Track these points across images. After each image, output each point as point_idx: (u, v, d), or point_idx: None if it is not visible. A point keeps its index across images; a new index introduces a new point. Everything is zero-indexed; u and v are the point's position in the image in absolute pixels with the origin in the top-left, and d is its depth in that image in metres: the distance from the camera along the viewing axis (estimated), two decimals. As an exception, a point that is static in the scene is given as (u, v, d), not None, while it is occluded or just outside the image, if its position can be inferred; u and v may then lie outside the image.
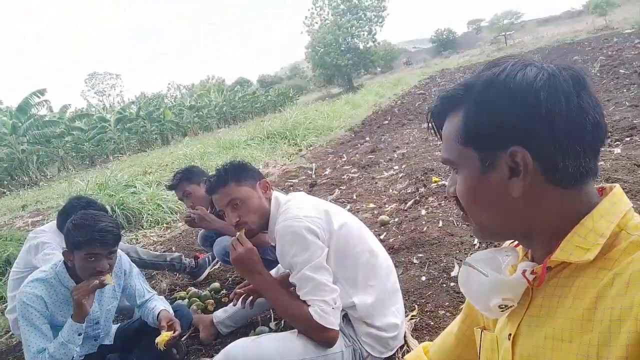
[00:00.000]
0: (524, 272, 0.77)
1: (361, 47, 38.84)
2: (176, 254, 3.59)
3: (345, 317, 1.76)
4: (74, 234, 1.90)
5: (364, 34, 38.96)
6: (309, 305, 1.64)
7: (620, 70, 9.64)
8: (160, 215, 5.76)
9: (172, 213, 5.86)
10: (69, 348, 1.93)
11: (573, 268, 0.72)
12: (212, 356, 2.32)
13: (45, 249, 2.64)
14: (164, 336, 2.03)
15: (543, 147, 0.70)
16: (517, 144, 0.70)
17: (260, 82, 53.42)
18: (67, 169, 18.50)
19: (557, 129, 0.69)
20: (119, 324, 2.45)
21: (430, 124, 0.87)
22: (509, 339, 0.81)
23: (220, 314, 2.49)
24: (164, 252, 3.96)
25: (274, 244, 1.96)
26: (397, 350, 1.84)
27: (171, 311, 2.25)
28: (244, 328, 2.52)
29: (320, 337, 1.65)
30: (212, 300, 2.99)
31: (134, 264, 2.37)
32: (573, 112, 0.69)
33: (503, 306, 0.78)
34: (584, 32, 31.15)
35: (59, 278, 2.01)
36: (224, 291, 3.13)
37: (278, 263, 2.49)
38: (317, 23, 39.42)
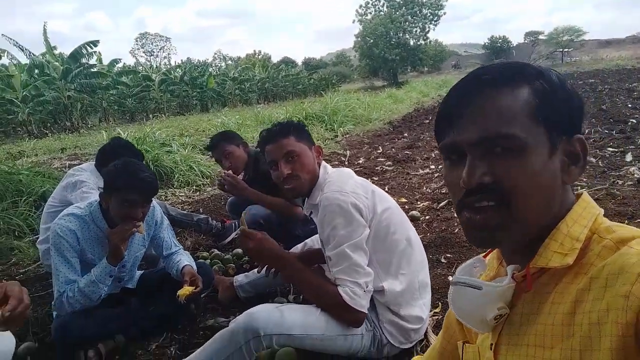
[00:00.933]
0: (513, 274, 0.75)
1: (412, 43, 38.33)
2: (203, 216, 3.64)
3: (370, 302, 1.73)
4: (115, 178, 1.93)
5: (416, 30, 38.45)
6: (337, 285, 1.62)
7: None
8: (192, 177, 5.85)
9: (203, 177, 5.94)
10: (99, 287, 1.98)
11: (551, 274, 0.72)
12: (229, 317, 2.35)
13: (83, 187, 2.70)
14: (186, 290, 2.05)
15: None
16: (578, 133, 0.74)
17: (305, 65, 53.33)
18: (107, 120, 19.03)
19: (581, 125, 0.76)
20: (143, 271, 2.49)
21: (462, 97, 0.75)
22: (491, 349, 0.80)
23: (241, 278, 2.50)
24: (191, 212, 4.01)
25: (309, 215, 1.95)
26: (416, 344, 1.81)
27: (195, 267, 2.28)
28: (262, 296, 2.53)
29: (347, 318, 1.63)
30: (234, 265, 3.01)
31: (165, 217, 2.40)
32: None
33: (498, 316, 0.76)
34: (646, 60, 29.75)
35: (93, 217, 2.05)
36: (246, 258, 3.15)
37: (305, 239, 2.48)
38: (370, 13, 39.05)
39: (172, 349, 2.12)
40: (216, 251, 3.29)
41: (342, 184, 1.73)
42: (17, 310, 1.07)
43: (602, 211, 0.75)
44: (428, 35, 38.72)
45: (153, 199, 2.10)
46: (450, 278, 2.51)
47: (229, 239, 3.55)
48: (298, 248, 2.43)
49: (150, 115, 19.62)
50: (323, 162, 1.92)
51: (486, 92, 0.72)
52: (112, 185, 1.95)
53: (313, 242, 2.42)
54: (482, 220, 0.72)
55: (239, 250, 3.28)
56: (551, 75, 0.74)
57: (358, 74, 44.96)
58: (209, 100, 23.86)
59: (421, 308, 1.76)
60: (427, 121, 10.96)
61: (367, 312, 1.63)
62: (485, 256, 0.87)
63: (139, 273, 2.43)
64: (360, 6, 39.43)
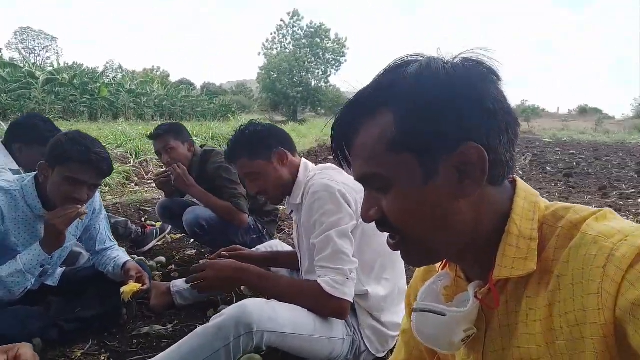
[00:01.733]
0: (476, 293, 0.72)
1: (313, 84, 39.73)
2: (122, 219, 3.28)
3: (351, 306, 1.66)
4: (66, 148, 1.65)
5: (318, 72, 39.98)
6: (318, 277, 1.54)
7: (547, 168, 10.63)
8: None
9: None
10: (25, 278, 1.65)
11: (516, 279, 0.68)
12: (165, 325, 2.10)
13: (-11, 166, 2.28)
14: (132, 286, 1.81)
15: (491, 142, 0.65)
16: (468, 141, 0.63)
17: (203, 89, 52.31)
18: (-28, 115, 16.55)
19: (499, 121, 0.65)
20: (64, 267, 2.14)
21: (336, 141, 0.73)
22: None
23: (179, 284, 2.27)
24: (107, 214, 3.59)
25: (290, 213, 1.87)
26: (388, 352, 1.77)
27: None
28: (200, 305, 2.31)
29: (331, 308, 1.53)
30: (159, 273, 2.74)
31: (103, 207, 2.11)
32: (505, 101, 0.67)
33: (466, 338, 0.73)
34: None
35: (24, 193, 1.73)
36: (172, 266, 2.88)
37: (245, 248, 2.35)
38: (276, 49, 39.94)
39: (102, 357, 1.82)
40: (136, 258, 2.96)
41: (331, 175, 1.69)
42: None
43: (537, 193, 0.72)
44: (329, 78, 40.59)
45: None
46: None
47: (150, 245, 3.23)
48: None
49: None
50: (303, 160, 1.86)
51: (351, 129, 0.71)
52: (60, 156, 1.65)
53: (266, 247, 2.30)
54: (392, 247, 0.73)
55: (162, 258, 3.00)
56: (431, 78, 0.65)
57: (258, 106, 45.20)
58: (100, 109, 22.07)
59: (401, 314, 1.74)
60: (331, 157, 11.29)
61: (350, 300, 1.53)
62: (443, 267, 0.83)
63: (60, 270, 2.08)
64: (267, 40, 40.31)
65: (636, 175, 7.97)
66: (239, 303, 1.45)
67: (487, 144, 0.64)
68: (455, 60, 0.67)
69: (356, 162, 0.72)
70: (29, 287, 1.75)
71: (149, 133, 2.89)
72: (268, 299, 1.55)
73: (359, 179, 0.72)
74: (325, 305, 1.53)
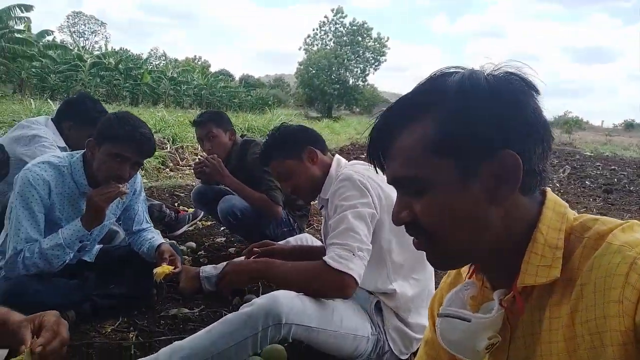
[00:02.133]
0: (500, 300, 0.72)
1: (350, 82, 39.59)
2: (157, 202, 3.38)
3: (377, 305, 1.66)
4: (115, 126, 1.72)
5: (357, 71, 39.82)
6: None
7: (586, 182, 10.29)
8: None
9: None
10: (65, 252, 1.73)
11: (541, 287, 0.69)
12: (192, 309, 2.15)
13: (42, 142, 2.38)
14: (165, 268, 1.85)
15: (526, 150, 0.67)
16: (505, 149, 0.65)
17: (242, 81, 52.98)
18: (23, 92, 17.32)
19: (536, 132, 0.68)
20: (101, 245, 2.22)
21: (374, 143, 0.76)
22: None
23: (209, 269, 2.29)
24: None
25: (320, 208, 1.89)
26: (411, 355, 1.76)
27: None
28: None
29: (333, 282, 1.48)
30: (189, 258, 2.80)
31: (143, 188, 2.18)
32: (541, 114, 0.69)
33: (490, 346, 0.73)
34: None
35: (72, 169, 1.81)
36: (202, 252, 2.95)
37: (275, 240, 2.38)
38: (317, 45, 40.00)
39: (131, 335, 1.88)
40: (168, 241, 3.04)
41: (357, 169, 1.72)
42: (51, 346, 0.90)
43: (566, 205, 0.73)
44: (367, 77, 40.36)
45: None
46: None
47: (182, 230, 3.32)
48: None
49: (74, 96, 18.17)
50: (336, 157, 1.89)
51: (392, 132, 0.73)
52: (108, 133, 1.72)
53: (296, 240, 2.32)
54: (417, 246, 0.75)
55: (193, 244, 3.08)
56: (474, 87, 0.67)
57: (294, 100, 45.46)
58: (141, 94, 22.70)
59: (426, 317, 1.72)
60: (363, 156, 11.25)
61: (356, 277, 1.47)
62: (470, 276, 0.84)
63: (97, 247, 2.16)
64: (309, 36, 40.33)
65: (680, 196, 7.61)
66: (270, 294, 1.47)
67: (523, 153, 0.66)
68: (496, 73, 0.70)
69: (392, 163, 0.73)
70: (67, 261, 1.82)
71: (189, 120, 2.96)
72: (277, 286, 1.56)
73: (393, 181, 0.74)
74: (328, 280, 1.49)
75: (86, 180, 1.81)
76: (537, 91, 0.69)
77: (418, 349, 1.77)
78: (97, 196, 1.72)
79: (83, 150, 1.83)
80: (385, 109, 0.75)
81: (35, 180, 1.70)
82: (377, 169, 0.78)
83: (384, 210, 1.65)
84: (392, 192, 1.78)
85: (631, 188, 8.78)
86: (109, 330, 1.89)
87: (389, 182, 0.75)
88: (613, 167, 13.50)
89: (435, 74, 0.72)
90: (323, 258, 1.51)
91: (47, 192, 1.73)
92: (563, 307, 0.66)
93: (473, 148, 0.66)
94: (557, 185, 8.62)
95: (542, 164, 0.69)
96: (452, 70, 0.71)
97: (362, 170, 1.71)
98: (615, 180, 10.06)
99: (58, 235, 1.72)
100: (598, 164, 15.01)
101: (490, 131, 0.66)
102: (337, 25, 39.72)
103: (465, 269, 0.87)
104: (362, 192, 1.60)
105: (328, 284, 1.50)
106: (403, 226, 1.69)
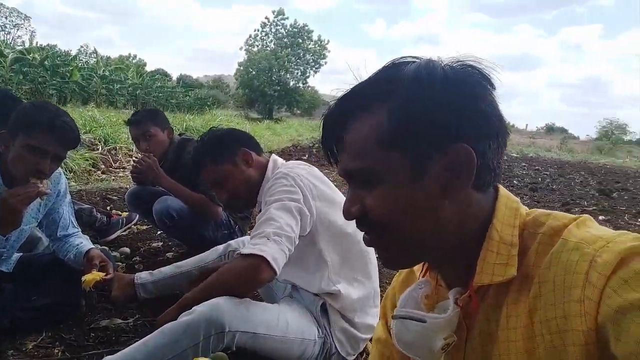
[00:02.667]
0: (456, 300, 0.71)
1: (291, 84, 39.61)
2: (87, 205, 3.15)
3: (323, 307, 1.63)
4: (32, 114, 1.56)
5: (297, 73, 39.90)
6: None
7: (514, 181, 10.90)
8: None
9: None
10: None
11: (498, 285, 0.68)
12: (126, 319, 2.01)
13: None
14: (95, 275, 1.72)
15: (480, 144, 0.65)
16: (459, 141, 0.64)
17: (179, 81, 51.46)
18: None
19: (491, 126, 0.67)
20: (21, 253, 2.02)
21: (326, 133, 0.73)
22: None
23: (144, 276, 2.17)
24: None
25: (259, 210, 1.81)
26: (357, 355, 1.74)
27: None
28: (165, 299, 2.22)
29: (245, 269, 1.41)
30: (123, 264, 2.64)
31: (68, 190, 2.01)
32: (498, 109, 0.68)
33: (445, 346, 0.72)
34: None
35: (-19, 167, 1.62)
36: (137, 258, 2.78)
37: (214, 244, 2.29)
38: (257, 46, 39.67)
39: (56, 350, 1.72)
40: (99, 247, 2.84)
41: (292, 167, 1.71)
42: None
43: (518, 200, 0.72)
44: (307, 79, 40.53)
45: None
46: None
47: (114, 235, 3.11)
48: (219, 250, 2.23)
49: (-8, 94, 16.77)
50: (272, 157, 1.85)
51: (344, 122, 0.70)
52: (23, 123, 1.56)
53: (238, 244, 2.24)
54: (367, 242, 0.73)
55: (127, 249, 2.90)
56: (430, 76, 0.65)
57: (234, 101, 44.75)
58: (70, 93, 21.36)
59: (374, 317, 1.71)
60: (305, 157, 11.27)
61: (270, 259, 1.37)
62: (424, 275, 0.82)
63: (16, 255, 1.96)
64: (250, 36, 39.92)
65: (597, 194, 8.23)
66: (212, 301, 1.38)
67: (477, 148, 0.64)
68: (454, 64, 0.67)
69: (344, 155, 0.71)
70: (-20, 272, 1.64)
71: (123, 120, 2.80)
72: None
73: (344, 173, 0.71)
74: (240, 268, 1.43)
75: (0, 179, 1.63)
76: (492, 85, 0.67)
77: (365, 349, 1.78)
78: (13, 197, 1.55)
79: None
80: (338, 97, 0.72)
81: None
82: (330, 160, 0.74)
83: (321, 211, 1.63)
84: (331, 192, 1.77)
85: (554, 186, 9.40)
86: (31, 347, 1.71)
87: (340, 175, 0.72)
88: (537, 167, 14.43)
89: (390, 63, 0.69)
90: (241, 252, 1.45)
91: (-47, 195, 1.54)
92: (521, 305, 0.65)
93: (425, 140, 0.64)
94: (489, 184, 9.06)
95: (496, 159, 0.68)
96: (408, 59, 0.69)
97: (298, 169, 1.69)
98: (540, 179, 10.74)
99: None
100: (524, 164, 15.98)
101: (444, 123, 0.64)
102: (278, 27, 39.62)
103: (418, 267, 0.84)
104: (292, 189, 1.57)
105: (241, 272, 1.43)
106: (340, 226, 1.67)
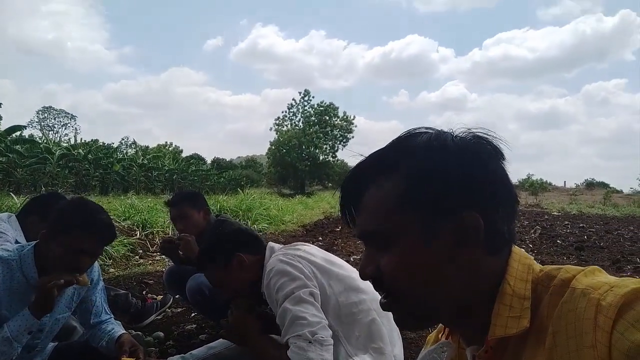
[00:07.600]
0: (474, 357, 0.72)
1: (321, 158, 40.48)
2: (122, 291, 3.21)
3: None
4: (71, 215, 1.65)
5: (326, 147, 40.88)
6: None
7: (558, 241, 10.45)
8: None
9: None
10: (12, 346, 1.57)
11: (516, 339, 0.69)
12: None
13: (1, 238, 2.26)
14: (126, 361, 1.71)
15: (489, 211, 0.68)
16: (468, 208, 0.67)
17: (214, 163, 53.49)
18: (-14, 188, 16.90)
19: (499, 193, 0.70)
20: (56, 343, 2.05)
21: (345, 195, 0.77)
22: None
23: (176, 360, 2.15)
24: (108, 286, 3.52)
25: (263, 296, 1.88)
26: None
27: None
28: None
29: None
30: (156, 349, 2.62)
31: (101, 277, 2.06)
32: (506, 177, 0.72)
33: None
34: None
35: (22, 263, 1.70)
36: (170, 342, 2.76)
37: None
38: (287, 125, 41.23)
39: None
40: (133, 333, 2.85)
41: (285, 251, 1.80)
42: None
43: (532, 257, 0.74)
44: (336, 153, 41.41)
45: None
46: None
47: (149, 320, 3.13)
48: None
49: (43, 190, 17.85)
50: (269, 245, 1.96)
51: (360, 187, 0.75)
52: (63, 224, 1.64)
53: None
54: (383, 307, 0.75)
55: (160, 334, 2.89)
56: (441, 146, 0.70)
57: (267, 179, 45.86)
58: (111, 183, 22.51)
59: None
60: (338, 229, 11.24)
61: None
62: (447, 337, 0.83)
63: (51, 345, 1.99)
64: (278, 118, 41.69)
65: (650, 249, 7.77)
66: None
67: (485, 214, 0.67)
68: (464, 135, 0.73)
69: (361, 217, 0.74)
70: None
71: (160, 205, 2.93)
72: None
73: (361, 235, 0.75)
74: None
75: (37, 274, 1.69)
76: (502, 155, 0.72)
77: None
78: (46, 283, 1.60)
79: (34, 242, 1.73)
80: (357, 163, 0.77)
81: (-19, 274, 1.59)
82: (348, 222, 0.78)
83: (324, 284, 1.71)
84: (329, 266, 1.81)
85: (601, 244, 8.94)
86: None
87: (356, 236, 0.76)
88: (581, 224, 13.82)
89: (405, 133, 0.75)
90: (288, 353, 1.53)
91: (-7, 287, 1.61)
92: (538, 359, 0.65)
93: (435, 206, 0.68)
94: (530, 245, 8.71)
95: (507, 225, 0.70)
96: (421, 130, 0.74)
97: (290, 251, 1.79)
98: (585, 237, 10.25)
99: (4, 329, 1.58)
100: (566, 222, 15.39)
101: (453, 190, 0.67)
102: (306, 107, 41.32)
103: (441, 327, 0.85)
104: (293, 276, 1.66)
105: None
106: (349, 299, 1.71)
